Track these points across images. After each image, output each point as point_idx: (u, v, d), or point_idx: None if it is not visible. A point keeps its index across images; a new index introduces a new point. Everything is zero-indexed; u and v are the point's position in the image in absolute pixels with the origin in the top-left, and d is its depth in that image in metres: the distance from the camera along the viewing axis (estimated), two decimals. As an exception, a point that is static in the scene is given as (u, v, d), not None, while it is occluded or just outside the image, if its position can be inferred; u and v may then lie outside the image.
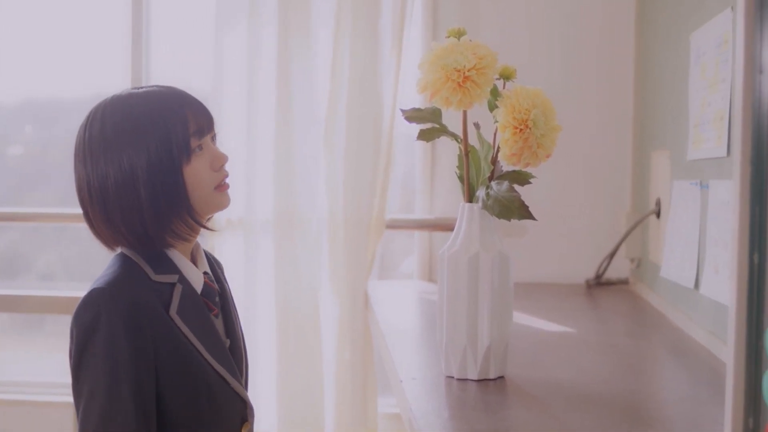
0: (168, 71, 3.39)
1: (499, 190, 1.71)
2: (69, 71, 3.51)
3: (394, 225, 3.21)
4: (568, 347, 2.18)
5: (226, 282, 1.82)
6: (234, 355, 1.71)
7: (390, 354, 2.07)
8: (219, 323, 1.70)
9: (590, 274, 3.17)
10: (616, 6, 3.24)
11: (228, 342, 1.71)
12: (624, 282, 3.18)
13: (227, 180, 1.69)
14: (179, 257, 1.65)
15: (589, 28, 3.24)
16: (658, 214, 2.81)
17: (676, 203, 2.52)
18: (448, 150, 3.18)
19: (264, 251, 3.14)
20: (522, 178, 1.74)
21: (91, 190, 1.60)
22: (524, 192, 1.73)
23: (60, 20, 3.50)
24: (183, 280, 1.63)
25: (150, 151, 1.57)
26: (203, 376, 1.59)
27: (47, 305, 3.42)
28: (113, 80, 3.37)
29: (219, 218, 3.13)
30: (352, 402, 3.11)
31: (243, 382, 1.73)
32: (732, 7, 2.06)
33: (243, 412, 1.68)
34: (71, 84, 3.52)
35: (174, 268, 1.63)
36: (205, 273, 1.70)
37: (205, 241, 3.19)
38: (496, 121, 1.71)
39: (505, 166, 1.76)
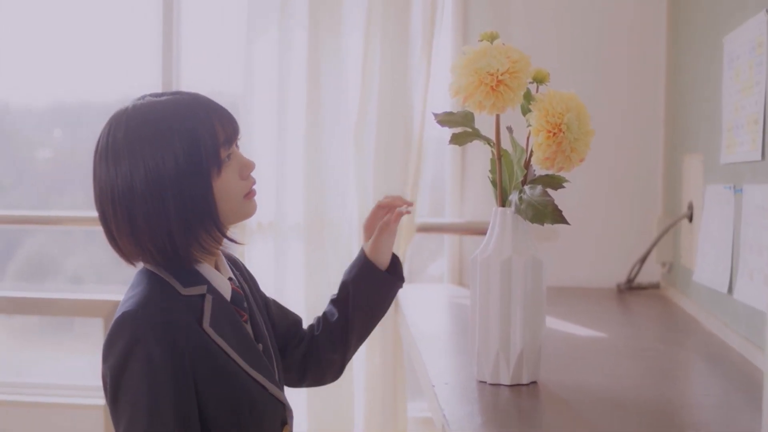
0: (198, 75, 3.40)
1: (532, 195, 1.71)
2: (99, 75, 3.51)
3: (424, 228, 3.21)
4: (600, 352, 2.16)
5: (248, 277, 1.80)
6: (266, 356, 1.69)
7: (421, 358, 2.07)
8: (248, 328, 1.68)
9: (621, 278, 3.15)
10: (647, 9, 3.22)
11: (260, 346, 1.68)
12: (655, 286, 3.15)
13: (255, 187, 1.66)
14: (205, 267, 1.61)
15: (620, 31, 3.22)
16: (690, 218, 2.78)
17: (709, 207, 2.50)
18: (478, 153, 3.18)
19: (294, 255, 3.14)
20: (555, 182, 1.73)
21: (114, 198, 1.53)
22: (556, 196, 1.72)
23: (90, 24, 3.52)
24: (212, 289, 1.59)
25: (179, 160, 1.51)
26: (242, 386, 1.57)
27: (76, 308, 3.44)
28: (143, 84, 3.38)
29: (250, 222, 3.14)
30: (383, 406, 3.11)
31: (279, 384, 1.71)
32: (767, 10, 2.04)
33: (282, 414, 1.66)
34: (101, 88, 3.53)
35: (201, 279, 1.59)
36: (230, 279, 1.67)
37: (235, 245, 3.19)
38: (529, 125, 1.70)
39: (538, 170, 1.75)
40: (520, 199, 1.72)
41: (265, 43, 3.17)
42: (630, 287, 3.12)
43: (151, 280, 1.56)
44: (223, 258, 1.70)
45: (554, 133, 1.65)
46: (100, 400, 3.32)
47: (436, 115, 1.80)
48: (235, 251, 3.10)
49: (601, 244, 3.23)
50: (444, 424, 1.57)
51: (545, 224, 1.69)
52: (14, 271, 3.69)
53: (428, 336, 2.34)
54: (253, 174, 1.65)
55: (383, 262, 1.87)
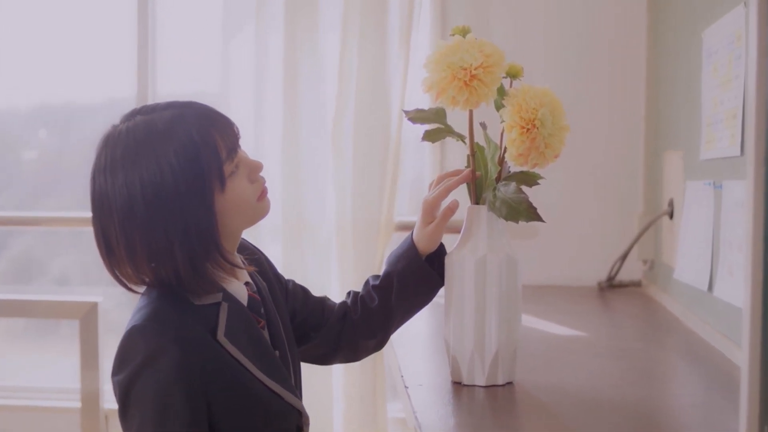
0: (174, 75, 3.36)
1: (506, 192, 1.67)
2: (81, 76, 3.48)
3: (403, 227, 3.17)
4: (579, 352, 2.13)
5: (265, 266, 1.74)
6: (283, 362, 1.63)
7: (397, 359, 2.04)
8: (266, 334, 1.62)
9: (602, 276, 3.13)
10: (627, 4, 3.20)
11: (277, 353, 1.62)
12: (637, 284, 3.13)
13: (266, 185, 1.60)
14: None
15: (599, 27, 3.20)
16: (671, 215, 2.76)
17: (690, 204, 2.47)
18: (456, 151, 3.15)
19: (272, 257, 3.07)
20: (530, 179, 1.70)
21: (113, 224, 1.45)
22: (534, 193, 1.69)
23: (71, 24, 3.49)
24: (228, 296, 1.53)
25: (179, 186, 1.44)
26: (257, 396, 1.51)
27: (52, 310, 3.40)
28: (122, 86, 3.35)
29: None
30: (361, 407, 3.07)
31: (297, 389, 1.66)
32: (745, 3, 2.02)
33: (298, 421, 1.60)
34: (84, 89, 3.49)
35: (216, 286, 1.52)
36: (246, 283, 1.61)
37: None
38: (503, 121, 1.67)
39: (513, 167, 1.72)
40: (494, 196, 1.69)
41: (241, 42, 3.15)
42: (611, 285, 3.10)
43: (161, 291, 1.50)
44: (241, 263, 1.62)
45: (528, 129, 1.62)
46: (76, 403, 3.29)
47: (406, 112, 1.77)
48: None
49: (582, 241, 3.20)
50: (416, 426, 1.54)
51: (520, 222, 1.66)
52: (0, 272, 3.65)
53: (404, 336, 2.29)
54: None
55: (431, 249, 1.79)
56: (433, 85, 1.65)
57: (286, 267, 3.08)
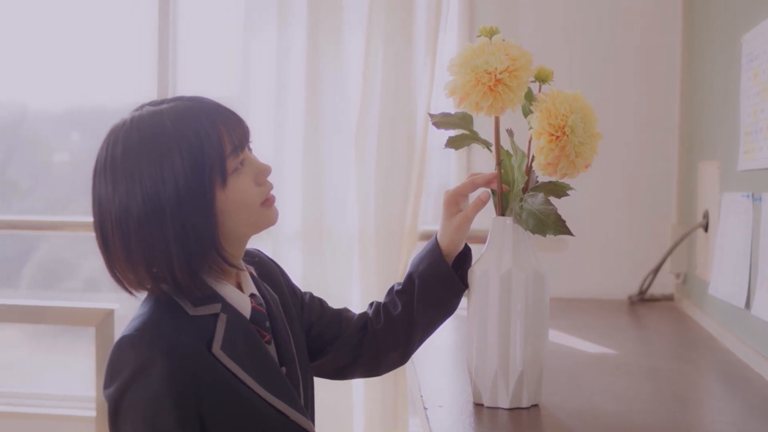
0: (195, 77, 3.30)
1: (533, 203, 1.58)
2: (109, 79, 3.44)
3: (427, 236, 3.07)
4: (608, 371, 2.03)
5: (276, 278, 1.67)
6: (291, 381, 1.54)
7: (417, 376, 1.94)
8: (272, 349, 1.54)
9: (633, 289, 3.02)
10: (661, 7, 3.09)
11: (283, 369, 1.54)
12: (669, 298, 3.02)
13: (273, 192, 1.52)
14: (220, 283, 1.47)
15: (632, 31, 3.09)
16: (705, 228, 2.65)
17: (726, 216, 2.36)
18: (484, 158, 3.03)
19: (292, 264, 3.01)
20: (559, 189, 1.61)
21: (113, 222, 1.41)
22: (564, 204, 1.59)
23: (97, 26, 3.45)
24: (227, 308, 1.46)
25: (179, 184, 1.38)
26: (257, 414, 1.43)
27: (68, 317, 3.34)
28: (140, 87, 3.30)
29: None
30: (382, 423, 2.98)
31: (307, 408, 1.59)
32: (789, 6, 1.91)
33: None
34: (112, 92, 3.45)
35: (215, 296, 1.45)
36: (252, 295, 1.53)
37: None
38: (531, 128, 1.57)
39: (541, 176, 1.62)
40: (521, 207, 1.59)
41: (263, 44, 3.07)
42: (642, 299, 2.98)
43: (158, 300, 1.44)
44: (248, 274, 1.55)
45: (557, 137, 1.52)
46: (91, 412, 3.23)
47: (432, 116, 1.67)
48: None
49: (613, 253, 3.09)
50: (435, 453, 1.44)
51: (547, 235, 1.57)
52: (30, 276, 3.62)
53: (425, 350, 2.20)
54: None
55: (457, 246, 1.69)
56: (456, 90, 1.56)
57: (306, 275, 2.99)
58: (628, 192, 3.10)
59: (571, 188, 1.61)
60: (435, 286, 1.68)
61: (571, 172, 1.56)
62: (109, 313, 3.20)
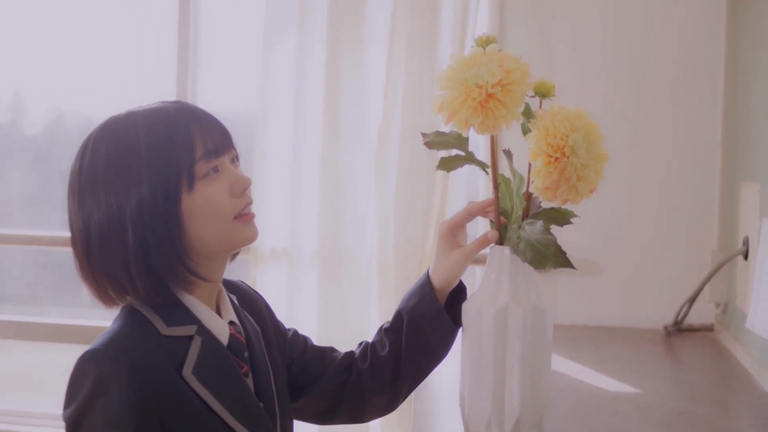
0: (214, 89, 3.19)
1: (531, 232, 1.41)
2: (124, 89, 3.34)
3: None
4: (627, 414, 1.85)
5: (258, 310, 1.56)
6: (269, 414, 1.45)
7: (410, 418, 1.78)
8: (249, 382, 1.43)
9: (670, 318, 2.82)
10: (703, 16, 2.89)
11: (261, 405, 1.43)
12: (708, 329, 2.81)
13: (251, 208, 1.42)
14: (197, 304, 1.39)
15: (671, 42, 2.89)
16: (745, 255, 2.46)
17: (766, 243, 2.17)
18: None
19: (308, 288, 2.89)
20: (561, 216, 1.44)
21: (75, 235, 1.37)
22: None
23: (115, 35, 3.36)
24: (203, 331, 1.37)
25: (143, 186, 1.32)
26: None
27: (66, 334, 3.26)
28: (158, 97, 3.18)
29: (262, 248, 2.89)
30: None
31: None
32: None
33: None
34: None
35: (191, 318, 1.37)
36: (231, 323, 1.44)
37: (246, 273, 2.95)
38: (530, 148, 1.41)
39: (544, 202, 1.46)
40: (518, 236, 1.43)
41: (282, 56, 2.93)
42: (680, 329, 2.78)
43: (130, 316, 1.35)
44: (227, 299, 1.47)
45: (556, 158, 1.36)
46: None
47: (424, 135, 1.52)
48: (246, 276, 2.86)
49: (649, 279, 2.89)
50: None
51: (546, 269, 1.40)
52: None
53: (426, 385, 2.03)
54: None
55: (450, 283, 1.54)
56: (443, 106, 1.41)
57: (322, 300, 2.85)
58: (666, 215, 2.90)
59: (574, 215, 1.44)
60: (424, 324, 1.54)
61: (573, 197, 1.40)
62: (101, 331, 3.10)
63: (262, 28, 2.93)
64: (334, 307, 2.84)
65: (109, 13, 3.35)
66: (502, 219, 1.49)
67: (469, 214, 1.51)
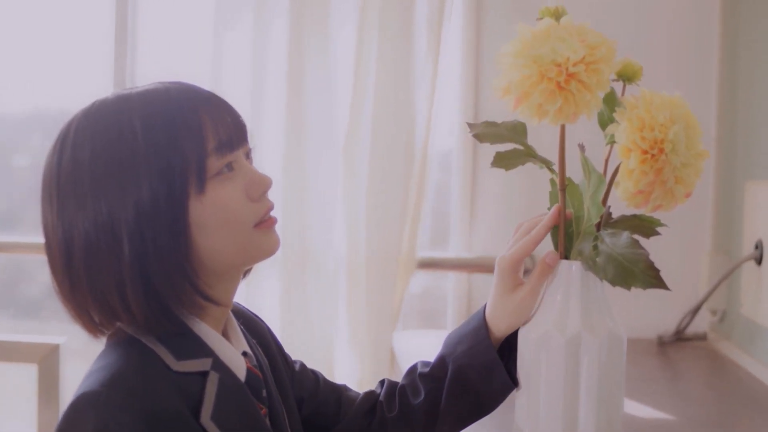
0: (157, 76, 2.88)
1: (615, 245, 1.16)
2: (72, 81, 3.04)
3: (427, 264, 2.67)
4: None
5: (267, 340, 1.31)
6: None
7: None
8: (267, 422, 1.19)
9: (663, 327, 2.61)
10: (695, 7, 2.69)
11: None
12: (701, 337, 2.62)
13: (273, 213, 1.17)
14: (208, 332, 1.14)
15: (661, 25, 2.69)
16: (759, 260, 2.27)
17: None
18: (493, 172, 2.64)
19: (269, 294, 2.64)
20: (646, 226, 1.21)
21: (52, 247, 1.11)
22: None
23: (50, 22, 3.04)
24: (219, 365, 1.12)
25: (141, 187, 1.08)
26: None
27: (13, 352, 2.88)
28: (97, 88, 2.87)
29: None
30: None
31: None
32: None
33: None
34: (74, 95, 3.02)
35: (204, 349, 1.12)
36: (244, 354, 1.20)
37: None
38: (611, 142, 1.16)
39: (616, 208, 1.22)
40: (596, 250, 1.17)
41: (237, 37, 2.66)
42: (677, 339, 2.59)
43: (130, 346, 1.10)
44: (235, 324, 1.21)
45: (653, 155, 1.11)
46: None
47: (471, 126, 1.26)
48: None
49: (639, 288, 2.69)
50: None
51: (631, 288, 1.16)
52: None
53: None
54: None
55: (514, 326, 1.26)
56: (512, 88, 1.14)
57: (284, 308, 2.60)
58: (654, 215, 2.69)
59: (662, 224, 1.21)
60: (474, 378, 1.27)
61: (668, 203, 1.16)
62: (54, 348, 2.79)
63: (214, 3, 2.66)
64: (298, 316, 2.60)
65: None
66: (569, 211, 1.22)
67: (533, 242, 1.23)
